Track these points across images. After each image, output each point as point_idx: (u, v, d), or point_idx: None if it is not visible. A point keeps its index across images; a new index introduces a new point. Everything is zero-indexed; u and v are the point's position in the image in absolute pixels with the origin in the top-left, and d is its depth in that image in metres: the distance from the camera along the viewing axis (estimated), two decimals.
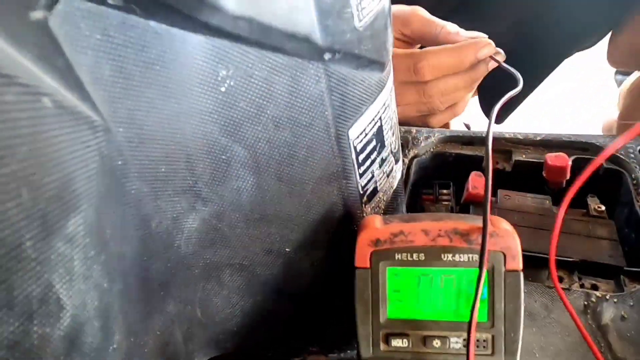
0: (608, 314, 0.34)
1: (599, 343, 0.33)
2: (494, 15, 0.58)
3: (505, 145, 0.54)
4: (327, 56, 0.19)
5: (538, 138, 0.53)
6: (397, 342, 0.23)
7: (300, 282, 0.27)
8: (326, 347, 0.31)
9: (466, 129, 0.37)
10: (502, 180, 0.52)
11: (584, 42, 0.60)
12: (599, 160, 0.32)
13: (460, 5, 0.58)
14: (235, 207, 0.22)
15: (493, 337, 0.22)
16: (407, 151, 0.53)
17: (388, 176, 0.28)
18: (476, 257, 0.22)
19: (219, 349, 0.32)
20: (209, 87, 0.18)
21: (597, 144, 0.51)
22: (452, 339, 0.23)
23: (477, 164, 0.53)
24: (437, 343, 0.23)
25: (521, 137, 0.54)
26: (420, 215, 0.24)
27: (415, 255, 0.23)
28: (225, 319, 0.28)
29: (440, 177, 0.52)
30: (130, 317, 0.19)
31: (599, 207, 0.46)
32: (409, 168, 0.51)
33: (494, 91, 0.40)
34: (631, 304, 0.35)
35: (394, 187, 0.29)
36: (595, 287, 0.38)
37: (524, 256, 0.40)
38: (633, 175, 0.46)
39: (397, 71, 0.34)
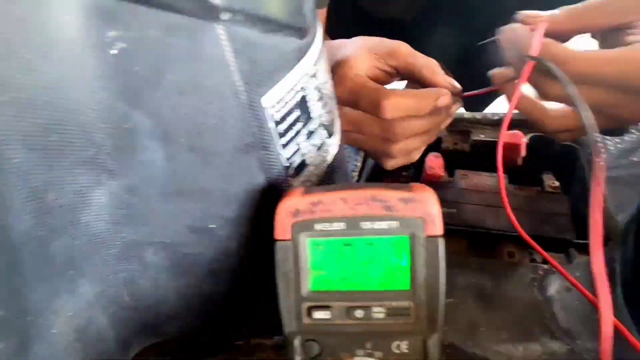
0: (554, 286, 0.34)
1: (544, 314, 0.33)
2: (477, 18, 0.60)
3: (464, 126, 0.54)
4: (225, 16, 0.18)
5: (496, 117, 0.53)
6: (319, 315, 0.22)
7: (231, 261, 0.27)
8: (266, 328, 0.31)
9: None
10: (461, 160, 0.52)
11: None
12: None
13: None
14: (147, 180, 0.22)
15: (415, 305, 0.22)
16: None
17: (319, 149, 0.27)
18: (395, 224, 0.22)
19: (158, 334, 0.31)
20: (95, 49, 0.17)
21: None
22: (375, 309, 0.22)
23: (437, 145, 0.53)
24: (359, 313, 0.22)
25: (479, 117, 0.54)
26: (343, 185, 0.23)
27: (335, 225, 0.22)
28: (158, 302, 0.28)
29: None
30: (25, 295, 0.18)
31: (553, 183, 0.46)
32: None
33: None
34: (577, 274, 0.35)
35: (328, 162, 0.28)
36: (546, 261, 0.39)
37: (479, 233, 0.41)
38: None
39: (362, 101, 0.36)
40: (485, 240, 0.40)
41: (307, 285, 0.23)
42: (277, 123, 0.23)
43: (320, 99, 0.26)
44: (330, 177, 0.29)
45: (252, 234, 0.26)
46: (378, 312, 0.22)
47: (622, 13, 0.32)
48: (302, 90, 0.24)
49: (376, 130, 0.38)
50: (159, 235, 0.24)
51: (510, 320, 0.33)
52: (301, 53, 0.23)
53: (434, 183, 0.47)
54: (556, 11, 0.35)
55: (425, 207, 0.21)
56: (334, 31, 0.56)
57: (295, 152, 0.25)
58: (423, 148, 0.43)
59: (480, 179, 0.48)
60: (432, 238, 0.21)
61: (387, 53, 0.39)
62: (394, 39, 0.40)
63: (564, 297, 0.33)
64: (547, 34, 0.34)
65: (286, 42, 0.22)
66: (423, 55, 0.39)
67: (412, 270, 0.22)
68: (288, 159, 0.25)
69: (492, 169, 0.50)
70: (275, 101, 0.22)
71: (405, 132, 0.37)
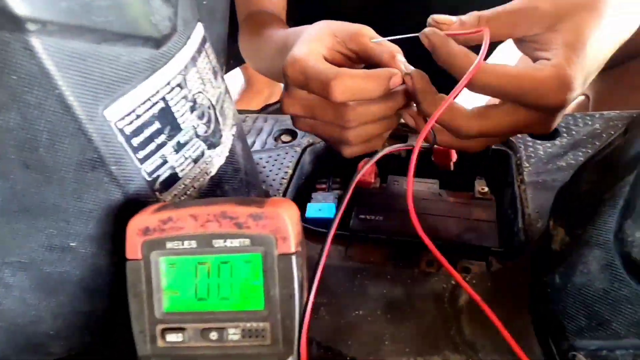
0: (464, 296, 0.33)
1: (451, 326, 0.32)
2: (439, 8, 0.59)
3: (401, 131, 0.53)
4: (32, 27, 0.17)
5: None
6: (173, 337, 0.21)
7: (103, 279, 0.26)
8: (127, 349, 0.30)
9: None
10: (398, 166, 0.51)
11: None
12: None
13: None
14: None
15: (271, 325, 0.21)
16: (300, 139, 0.52)
17: (196, 162, 0.26)
18: (247, 241, 0.21)
19: (46, 354, 0.29)
20: None
21: None
22: (230, 330, 0.21)
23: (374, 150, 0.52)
24: (214, 335, 0.21)
25: None
26: (198, 200, 0.22)
27: (186, 243, 0.21)
28: (32, 322, 0.26)
29: (337, 166, 0.50)
30: None
31: (482, 189, 0.45)
32: (301, 157, 0.50)
33: None
34: (488, 284, 0.34)
35: (212, 174, 0.27)
36: (467, 270, 0.38)
37: (401, 241, 0.40)
38: (518, 155, 0.46)
39: (312, 83, 0.34)
40: (406, 248, 0.39)
41: (161, 306, 0.22)
42: (129, 136, 0.22)
43: (193, 109, 0.25)
44: (215, 189, 0.28)
45: (118, 251, 0.24)
46: (233, 334, 0.21)
47: (526, 25, 0.32)
48: (162, 101, 0.23)
49: (330, 116, 0.36)
50: (14, 255, 0.23)
51: (416, 333, 0.32)
52: (158, 63, 0.22)
53: (365, 190, 0.46)
54: (466, 16, 0.34)
55: (277, 224, 0.20)
56: (297, 21, 0.54)
57: (161, 165, 0.24)
58: (385, 135, 0.41)
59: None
60: (284, 256, 0.21)
61: (349, 36, 0.37)
62: None
63: (473, 309, 0.33)
64: (458, 40, 0.33)
65: (132, 52, 0.21)
66: (386, 41, 0.37)
67: (265, 290, 0.21)
68: (150, 172, 0.24)
69: (429, 174, 0.50)
70: (124, 114, 0.21)
71: (360, 117, 0.35)
